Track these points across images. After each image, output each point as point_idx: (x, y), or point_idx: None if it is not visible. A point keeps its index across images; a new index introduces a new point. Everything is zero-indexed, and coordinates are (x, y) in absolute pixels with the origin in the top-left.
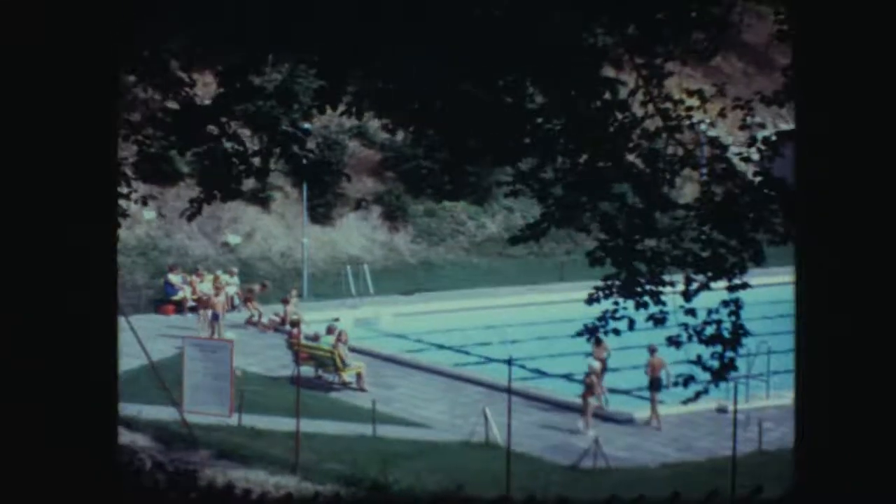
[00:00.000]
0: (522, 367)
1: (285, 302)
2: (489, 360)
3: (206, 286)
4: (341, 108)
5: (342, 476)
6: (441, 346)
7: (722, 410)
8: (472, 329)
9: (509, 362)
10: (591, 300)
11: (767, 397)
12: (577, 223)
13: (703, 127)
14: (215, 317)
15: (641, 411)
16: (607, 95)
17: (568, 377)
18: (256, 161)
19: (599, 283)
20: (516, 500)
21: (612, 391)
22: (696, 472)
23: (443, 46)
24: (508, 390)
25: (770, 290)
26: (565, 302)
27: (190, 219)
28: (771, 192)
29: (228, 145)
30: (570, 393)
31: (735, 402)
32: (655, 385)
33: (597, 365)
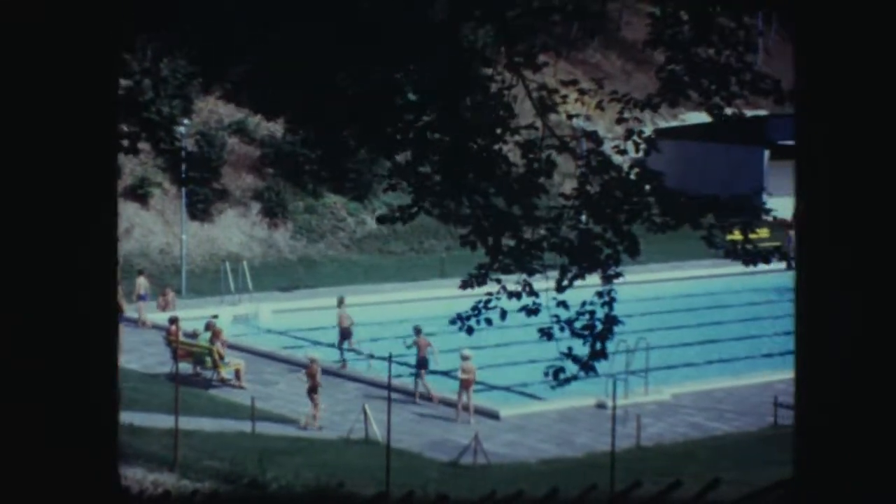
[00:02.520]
0: (402, 363)
1: (164, 297)
2: (369, 356)
3: None
4: (216, 95)
5: (221, 473)
6: (320, 343)
7: (601, 406)
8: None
9: (389, 359)
10: (465, 285)
11: (646, 393)
12: (449, 209)
13: (578, 122)
14: None
15: (508, 409)
16: (483, 88)
17: (447, 374)
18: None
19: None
20: (395, 497)
21: (494, 387)
22: (574, 468)
23: (318, 39)
24: (388, 387)
25: (649, 286)
26: (446, 298)
27: None
28: (646, 185)
29: None
30: (450, 389)
31: (614, 398)
32: (422, 364)
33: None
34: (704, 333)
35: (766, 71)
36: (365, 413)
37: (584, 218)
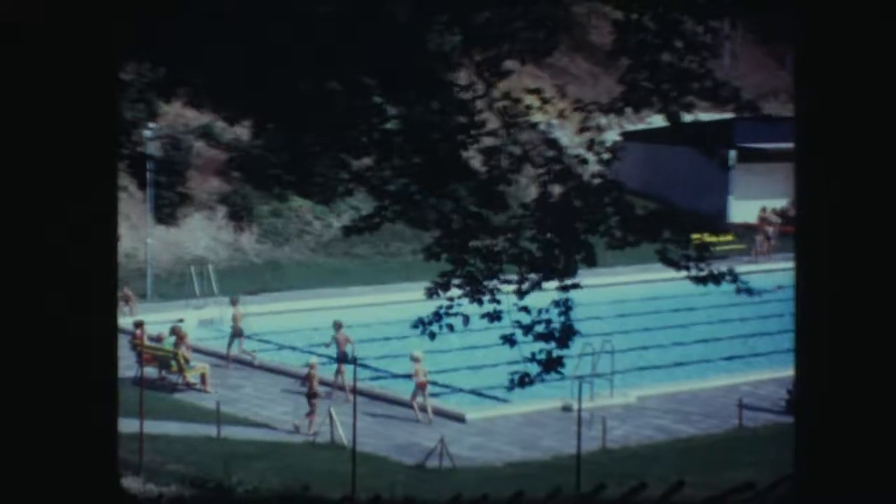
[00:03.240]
0: (367, 367)
1: (126, 300)
2: (335, 360)
3: None
4: (181, 100)
5: (186, 477)
6: (286, 347)
7: (566, 409)
8: (319, 329)
9: (354, 362)
10: (430, 293)
11: (612, 396)
12: (413, 218)
13: (543, 127)
14: None
15: (474, 412)
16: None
17: (411, 377)
18: None
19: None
20: (361, 500)
21: (460, 390)
22: (540, 471)
23: (284, 45)
24: (354, 390)
25: (614, 289)
26: (412, 302)
27: None
28: (606, 195)
29: None
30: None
31: (579, 401)
32: (342, 358)
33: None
34: (670, 336)
35: (731, 77)
36: (330, 417)
37: (549, 235)
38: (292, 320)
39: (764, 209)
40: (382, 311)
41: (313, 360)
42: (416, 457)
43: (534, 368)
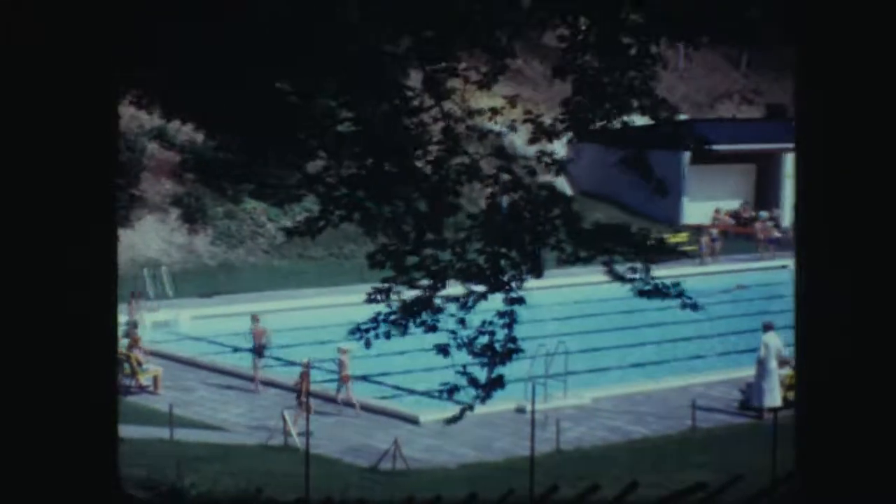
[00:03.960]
0: (321, 369)
1: None
2: (289, 362)
3: None
4: (128, 99)
5: (139, 480)
6: (240, 349)
7: (520, 411)
8: (275, 332)
9: (308, 365)
10: (369, 300)
11: (565, 397)
12: (359, 223)
13: (492, 137)
14: None
15: (428, 413)
16: (396, 101)
17: (366, 378)
18: None
19: (379, 285)
20: (315, 503)
21: (413, 392)
22: (494, 473)
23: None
24: (307, 393)
25: (568, 290)
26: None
27: None
28: (554, 207)
29: None
30: (370, 395)
31: (533, 403)
32: (258, 351)
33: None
34: (624, 337)
35: (685, 79)
36: (284, 419)
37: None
38: (247, 323)
39: (718, 210)
40: (337, 312)
41: (306, 359)
42: (369, 459)
43: (470, 381)
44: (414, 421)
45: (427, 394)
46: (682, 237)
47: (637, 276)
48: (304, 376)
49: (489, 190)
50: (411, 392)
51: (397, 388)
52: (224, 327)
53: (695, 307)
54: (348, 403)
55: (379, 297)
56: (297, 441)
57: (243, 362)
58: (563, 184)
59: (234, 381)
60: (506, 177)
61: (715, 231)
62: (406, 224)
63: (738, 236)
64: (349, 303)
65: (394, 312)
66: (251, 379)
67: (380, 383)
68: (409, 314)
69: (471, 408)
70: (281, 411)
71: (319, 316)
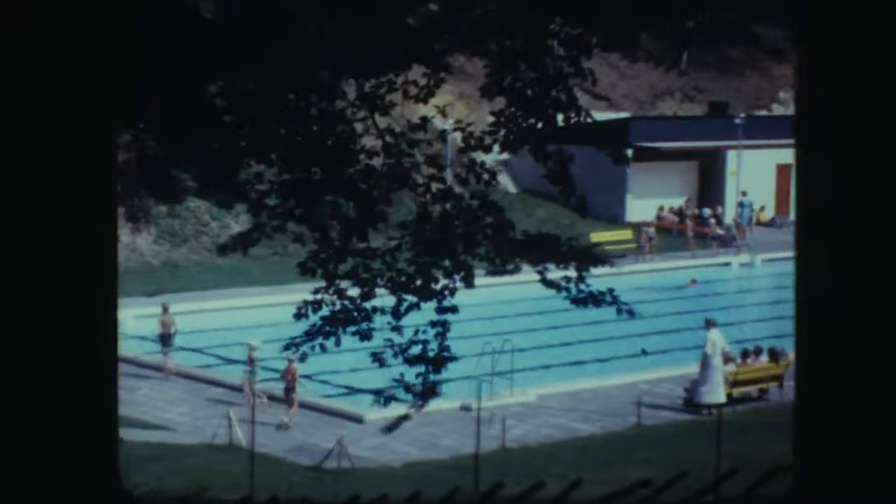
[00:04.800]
0: (265, 368)
1: None
2: (232, 361)
3: None
4: None
5: None
6: (184, 348)
7: (466, 409)
8: (216, 330)
9: (251, 363)
10: (298, 315)
11: (511, 395)
12: (293, 233)
13: (424, 146)
14: None
15: (372, 412)
16: (325, 105)
17: (309, 377)
18: None
19: (309, 298)
20: (259, 502)
21: (358, 390)
22: (439, 471)
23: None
24: (252, 392)
25: (513, 287)
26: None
27: None
28: (486, 217)
29: None
30: (314, 393)
31: (479, 401)
32: (165, 341)
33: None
34: (569, 334)
35: (626, 76)
36: (229, 418)
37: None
38: (190, 321)
39: (661, 208)
40: (281, 311)
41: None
42: (314, 458)
43: (406, 389)
44: (358, 420)
45: (372, 392)
46: (626, 234)
47: (570, 284)
48: (291, 371)
49: (419, 200)
50: (356, 391)
51: (343, 386)
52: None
53: (630, 313)
54: (256, 394)
55: (310, 309)
56: (242, 439)
57: (188, 361)
58: (505, 181)
59: (178, 381)
60: (437, 186)
61: (651, 229)
62: (333, 232)
63: (681, 234)
64: (293, 301)
65: (325, 323)
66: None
67: (325, 382)
68: (338, 324)
69: (407, 417)
70: (226, 410)
71: (263, 314)
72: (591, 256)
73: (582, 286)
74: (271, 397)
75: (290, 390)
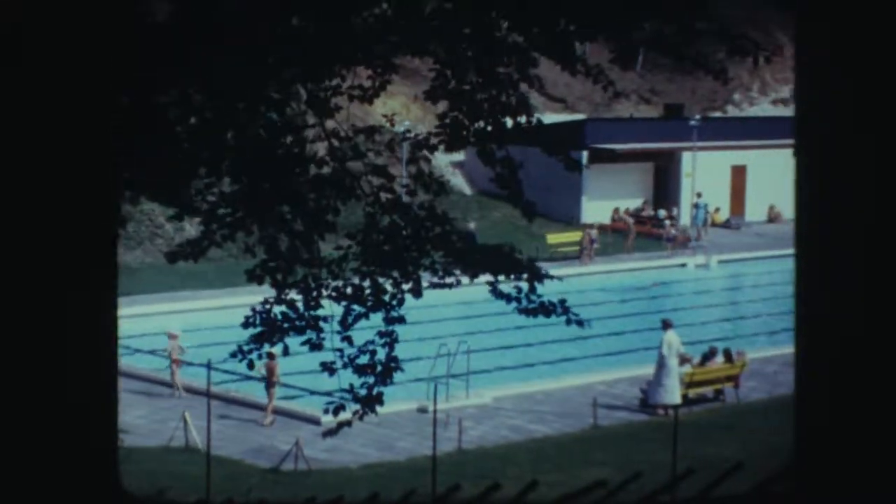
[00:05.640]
0: (221, 370)
1: None
2: (189, 363)
3: None
4: None
5: None
6: (139, 351)
7: (422, 410)
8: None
9: (208, 366)
10: (246, 324)
11: (467, 397)
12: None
13: (371, 156)
14: None
15: (329, 414)
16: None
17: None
18: None
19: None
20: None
21: (314, 392)
22: (396, 472)
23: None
24: (208, 394)
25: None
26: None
27: None
28: (434, 227)
29: None
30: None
31: (435, 403)
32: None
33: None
34: (525, 336)
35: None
36: (185, 420)
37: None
38: (144, 324)
39: (617, 210)
40: (235, 313)
41: (273, 350)
42: (271, 460)
43: (354, 397)
44: (315, 421)
45: (329, 395)
46: (574, 236)
47: (521, 295)
48: (270, 368)
49: (367, 210)
50: (314, 393)
51: (302, 389)
52: (121, 329)
53: (580, 323)
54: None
55: (258, 318)
56: (199, 442)
57: (142, 364)
58: (461, 183)
59: (134, 384)
60: (386, 196)
61: (595, 231)
62: (281, 242)
63: (639, 235)
64: (248, 303)
65: (272, 332)
66: (150, 380)
67: (284, 385)
68: (285, 333)
69: (349, 424)
70: (182, 412)
71: (218, 317)
72: (535, 271)
73: (532, 297)
74: (229, 400)
75: (270, 385)
